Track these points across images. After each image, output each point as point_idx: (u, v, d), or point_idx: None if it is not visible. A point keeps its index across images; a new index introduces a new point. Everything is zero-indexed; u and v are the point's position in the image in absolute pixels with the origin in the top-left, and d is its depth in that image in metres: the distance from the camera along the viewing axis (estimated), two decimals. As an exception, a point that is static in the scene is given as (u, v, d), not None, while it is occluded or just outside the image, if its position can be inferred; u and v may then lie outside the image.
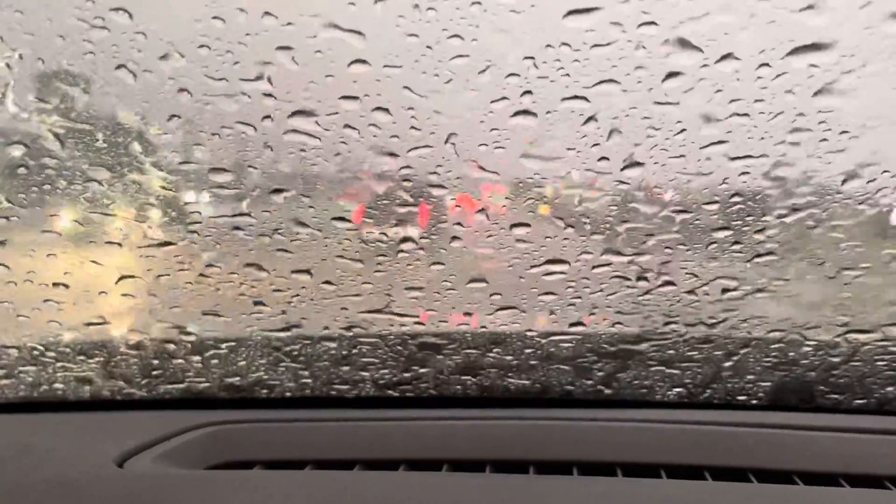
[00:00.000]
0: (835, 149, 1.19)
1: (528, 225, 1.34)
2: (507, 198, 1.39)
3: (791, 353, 1.32)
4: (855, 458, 1.14)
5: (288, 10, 1.16)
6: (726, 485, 1.07)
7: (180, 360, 1.36)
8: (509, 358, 1.35)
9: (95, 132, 1.30)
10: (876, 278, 1.32)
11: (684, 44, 1.13)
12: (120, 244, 1.36)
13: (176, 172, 1.34)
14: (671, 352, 1.34)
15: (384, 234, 1.38)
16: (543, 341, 1.36)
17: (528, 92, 1.21)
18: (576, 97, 1.21)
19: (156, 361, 1.37)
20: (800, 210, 1.26)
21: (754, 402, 1.31)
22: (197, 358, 1.37)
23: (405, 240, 1.35)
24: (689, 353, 1.34)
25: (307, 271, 1.33)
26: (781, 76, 1.14)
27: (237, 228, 1.33)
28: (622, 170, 1.27)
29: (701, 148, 1.22)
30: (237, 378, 1.36)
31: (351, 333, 1.37)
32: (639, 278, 1.33)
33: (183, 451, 1.18)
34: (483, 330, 1.39)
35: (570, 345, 1.35)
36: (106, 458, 1.12)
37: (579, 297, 1.35)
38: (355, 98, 1.22)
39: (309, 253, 1.34)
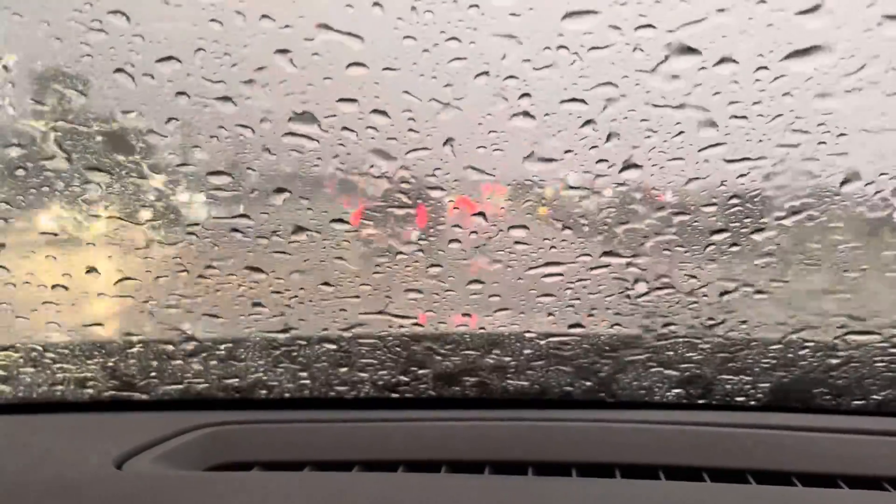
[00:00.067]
0: (833, 151, 1.19)
1: (526, 227, 1.34)
2: (507, 199, 1.39)
3: (790, 355, 1.32)
4: (853, 460, 1.14)
5: (286, 13, 1.16)
6: (725, 486, 1.08)
7: (179, 361, 1.37)
8: (508, 359, 1.35)
9: (93, 134, 1.30)
10: (874, 280, 1.32)
11: (682, 47, 1.13)
12: (118, 246, 1.36)
13: (174, 174, 1.34)
14: (670, 353, 1.34)
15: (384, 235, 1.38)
16: (542, 342, 1.36)
17: (527, 94, 1.21)
18: (574, 100, 1.20)
19: (154, 362, 1.37)
20: (798, 212, 1.26)
21: (753, 403, 1.31)
22: (196, 359, 1.37)
23: (404, 241, 1.36)
24: (688, 355, 1.34)
25: (306, 273, 1.34)
26: (779, 79, 1.13)
27: (235, 230, 1.33)
28: (620, 172, 1.27)
29: (699, 150, 1.22)
30: (236, 379, 1.36)
31: (350, 335, 1.37)
32: (637, 280, 1.34)
33: (182, 452, 1.18)
34: (482, 331, 1.39)
35: (568, 346, 1.35)
36: (105, 458, 1.12)
37: (578, 299, 1.35)
38: (353, 100, 1.22)
39: (307, 255, 1.34)
